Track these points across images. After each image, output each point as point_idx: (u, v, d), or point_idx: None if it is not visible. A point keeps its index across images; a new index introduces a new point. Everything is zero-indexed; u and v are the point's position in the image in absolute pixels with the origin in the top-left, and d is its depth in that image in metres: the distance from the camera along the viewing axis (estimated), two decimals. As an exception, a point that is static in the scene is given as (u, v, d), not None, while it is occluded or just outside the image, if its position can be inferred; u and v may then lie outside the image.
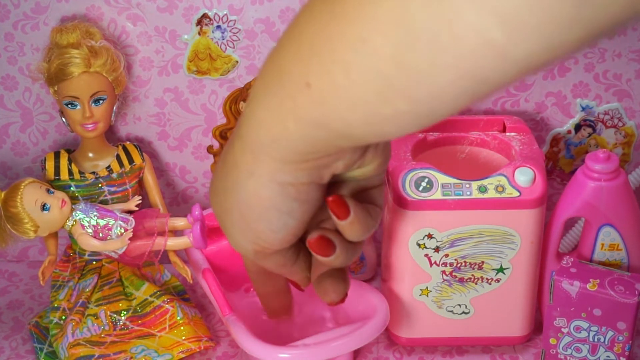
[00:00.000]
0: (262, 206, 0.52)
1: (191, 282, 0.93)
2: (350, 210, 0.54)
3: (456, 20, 0.38)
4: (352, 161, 0.53)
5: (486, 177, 0.85)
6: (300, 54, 0.45)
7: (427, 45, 0.40)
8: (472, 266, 0.87)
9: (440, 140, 0.92)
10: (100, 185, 0.94)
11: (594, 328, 0.83)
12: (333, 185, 0.55)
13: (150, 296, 0.92)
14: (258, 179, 0.51)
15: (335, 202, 0.54)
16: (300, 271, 0.59)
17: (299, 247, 0.58)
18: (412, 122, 0.44)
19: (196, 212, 0.89)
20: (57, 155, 0.94)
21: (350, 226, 0.55)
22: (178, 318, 0.91)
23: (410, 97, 0.43)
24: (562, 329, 0.85)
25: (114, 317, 0.91)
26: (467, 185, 0.84)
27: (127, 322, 0.91)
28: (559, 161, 1.01)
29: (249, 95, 0.51)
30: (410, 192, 0.84)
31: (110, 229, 0.89)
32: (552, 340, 0.86)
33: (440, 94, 0.42)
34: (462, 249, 0.86)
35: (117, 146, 0.96)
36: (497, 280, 0.88)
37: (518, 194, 0.84)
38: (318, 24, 0.44)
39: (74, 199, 0.92)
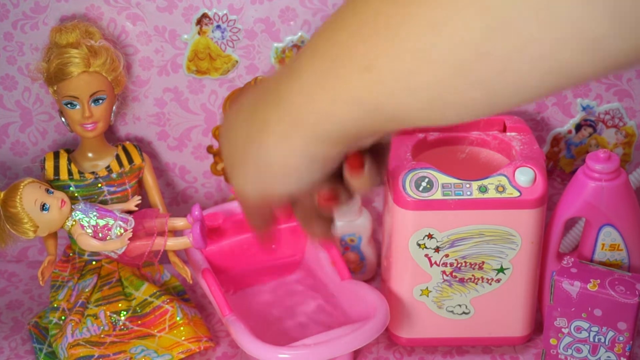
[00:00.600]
0: (285, 172, 0.52)
1: (191, 282, 0.93)
2: (365, 168, 0.54)
3: (550, 9, 0.37)
4: (381, 135, 0.53)
5: (486, 177, 0.85)
6: (362, 35, 0.44)
7: (517, 33, 0.38)
8: (473, 266, 0.87)
9: (441, 140, 0.92)
10: (99, 185, 0.94)
11: (595, 328, 0.83)
12: None
13: (150, 296, 0.92)
14: (290, 147, 0.51)
15: (354, 161, 0.54)
16: (299, 216, 0.60)
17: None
18: (478, 111, 0.43)
19: (196, 212, 0.89)
20: (56, 155, 0.94)
21: (360, 182, 0.55)
22: (178, 318, 0.90)
23: (485, 87, 0.41)
24: (563, 329, 0.84)
25: (114, 318, 0.91)
26: (468, 185, 0.84)
27: (127, 323, 0.91)
28: (560, 161, 1.01)
29: (294, 65, 0.49)
30: (411, 192, 0.84)
31: (109, 229, 0.89)
32: (553, 341, 0.86)
33: (519, 85, 0.40)
34: (462, 249, 0.86)
35: (117, 146, 0.96)
36: (498, 281, 0.88)
37: (518, 194, 0.84)
38: (385, 3, 0.42)
39: (73, 199, 0.92)
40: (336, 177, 0.56)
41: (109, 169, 0.94)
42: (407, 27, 0.42)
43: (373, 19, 0.43)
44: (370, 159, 0.55)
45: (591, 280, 0.82)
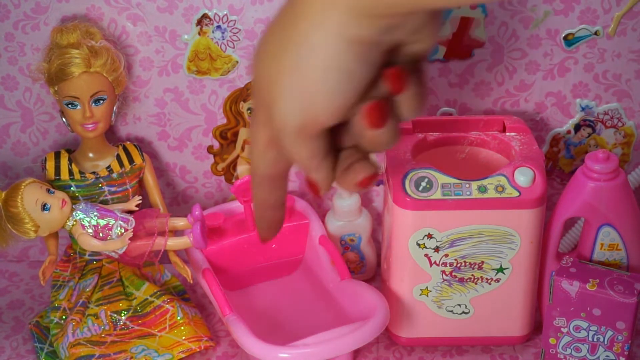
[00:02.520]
0: (325, 65, 0.50)
1: (191, 282, 0.93)
2: (408, 80, 0.53)
3: None
4: (415, 30, 0.52)
5: (486, 177, 0.85)
6: None
7: None
8: (472, 266, 0.87)
9: (440, 140, 0.92)
10: (100, 185, 0.94)
11: (594, 328, 0.83)
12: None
13: (151, 296, 0.92)
14: (326, 32, 0.49)
15: (394, 73, 0.52)
16: (326, 169, 0.57)
17: (330, 145, 0.56)
18: None
19: (196, 212, 0.89)
20: (57, 155, 0.95)
21: (406, 99, 0.53)
22: (178, 318, 0.91)
23: None
24: (562, 329, 0.85)
25: (114, 317, 0.91)
26: (467, 185, 0.85)
27: (128, 322, 0.91)
28: (559, 161, 1.01)
29: None
30: (410, 192, 0.84)
31: (110, 229, 0.89)
32: (552, 340, 0.86)
33: None
34: (462, 249, 0.86)
35: (118, 146, 0.96)
36: (497, 280, 0.88)
37: (518, 194, 0.84)
38: None
39: (74, 199, 0.92)
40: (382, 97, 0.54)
41: (109, 169, 0.95)
42: None
43: None
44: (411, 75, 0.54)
45: (590, 280, 0.82)
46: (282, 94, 0.53)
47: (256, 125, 0.58)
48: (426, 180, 0.85)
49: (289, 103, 0.53)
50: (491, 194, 0.84)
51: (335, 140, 0.56)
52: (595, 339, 0.84)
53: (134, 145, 0.97)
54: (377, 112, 0.53)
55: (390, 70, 0.52)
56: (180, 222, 0.91)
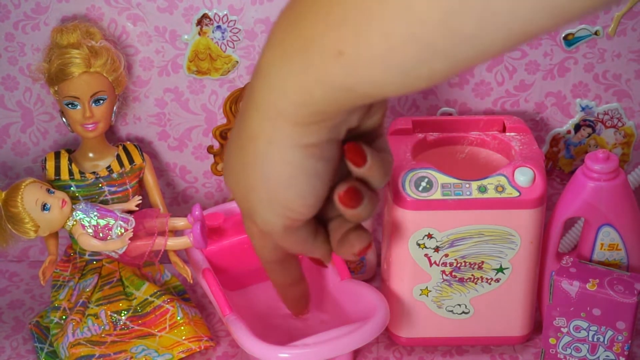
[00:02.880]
0: (289, 173, 0.52)
1: (191, 282, 0.93)
2: (366, 154, 0.55)
3: None
4: (364, 113, 0.54)
5: (486, 177, 0.85)
6: (329, 22, 0.45)
7: (479, 9, 0.40)
8: (472, 266, 0.87)
9: (440, 140, 0.92)
10: (100, 185, 0.94)
11: (594, 328, 0.83)
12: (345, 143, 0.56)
13: (151, 296, 0.92)
14: (281, 146, 0.51)
15: (351, 149, 0.54)
16: (322, 245, 0.60)
17: (317, 223, 0.59)
18: (445, 76, 0.45)
19: (196, 212, 0.89)
20: (57, 155, 0.95)
21: (370, 171, 0.55)
22: (178, 318, 0.91)
23: (452, 58, 0.43)
24: (562, 329, 0.85)
25: (115, 317, 0.91)
26: (467, 185, 0.85)
27: (128, 322, 0.91)
28: (559, 161, 1.01)
29: (260, 65, 0.50)
30: (410, 192, 0.84)
31: (110, 229, 0.89)
32: (552, 340, 0.86)
33: (484, 52, 0.42)
34: (462, 249, 0.86)
35: (118, 146, 0.96)
36: (497, 280, 0.88)
37: (518, 194, 0.84)
38: None
39: (74, 199, 0.92)
40: (351, 178, 0.56)
41: (109, 169, 0.95)
42: (370, 12, 0.43)
43: (339, 7, 0.44)
44: (368, 147, 0.55)
45: (590, 279, 0.82)
46: (257, 207, 0.55)
47: (247, 222, 0.60)
48: (426, 180, 0.85)
49: (266, 212, 0.55)
50: (491, 194, 0.84)
51: (320, 212, 0.57)
52: (595, 339, 0.84)
53: (134, 145, 0.97)
54: (350, 195, 0.55)
55: (347, 147, 0.54)
56: (180, 222, 0.91)
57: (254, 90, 0.51)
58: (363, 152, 0.55)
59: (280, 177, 0.53)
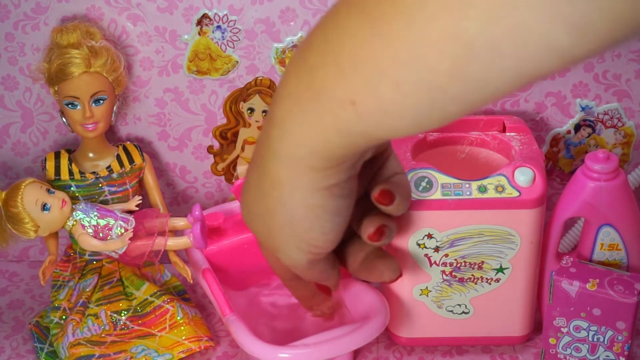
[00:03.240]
0: (313, 214, 0.55)
1: (191, 282, 0.93)
2: (395, 195, 0.58)
3: (520, 31, 0.39)
4: (377, 147, 0.57)
5: (486, 177, 0.85)
6: (340, 73, 0.46)
7: (487, 56, 0.41)
8: (472, 266, 0.87)
9: (440, 140, 0.92)
10: (100, 185, 0.94)
11: (594, 328, 0.83)
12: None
13: (151, 296, 0.92)
14: (304, 190, 0.53)
15: (382, 195, 0.58)
16: (336, 275, 0.63)
17: (334, 254, 0.62)
18: (457, 117, 0.46)
19: (196, 212, 0.89)
20: (57, 155, 0.95)
21: (397, 207, 0.59)
22: (178, 318, 0.91)
23: (463, 102, 0.44)
24: (562, 329, 0.85)
25: (114, 317, 0.91)
26: (467, 185, 0.85)
27: (128, 322, 0.91)
28: (559, 161, 1.01)
29: (275, 113, 0.52)
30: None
31: (110, 229, 0.89)
32: (552, 340, 0.86)
33: (493, 94, 0.43)
34: (462, 249, 0.86)
35: (118, 146, 0.96)
36: (497, 280, 0.88)
37: (518, 194, 0.84)
38: (359, 42, 0.44)
39: (74, 199, 0.92)
40: (373, 210, 0.60)
41: (109, 169, 0.95)
42: (379, 62, 0.44)
43: (348, 57, 0.45)
44: (391, 184, 0.59)
45: (590, 279, 0.82)
46: (282, 246, 0.58)
47: (265, 252, 0.64)
48: (426, 180, 0.85)
49: (291, 250, 0.58)
50: (491, 194, 0.84)
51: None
52: (595, 339, 0.84)
53: (134, 145, 0.97)
54: (385, 194, 0.59)
55: (376, 195, 0.58)
56: (180, 222, 0.91)
57: (271, 138, 0.53)
58: (392, 195, 0.58)
59: (304, 218, 0.55)
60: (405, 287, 0.89)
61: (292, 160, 0.52)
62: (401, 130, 0.47)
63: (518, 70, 0.41)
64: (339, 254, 0.63)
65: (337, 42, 0.46)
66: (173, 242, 0.90)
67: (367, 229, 0.59)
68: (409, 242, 0.86)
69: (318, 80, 0.47)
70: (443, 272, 0.87)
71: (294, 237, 0.56)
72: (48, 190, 0.89)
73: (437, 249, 0.86)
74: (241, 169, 1.02)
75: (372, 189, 0.60)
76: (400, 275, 0.63)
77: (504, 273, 0.87)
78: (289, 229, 0.56)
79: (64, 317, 0.92)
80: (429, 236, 0.85)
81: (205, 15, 0.95)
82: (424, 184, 0.85)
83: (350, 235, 0.62)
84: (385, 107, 0.45)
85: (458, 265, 0.87)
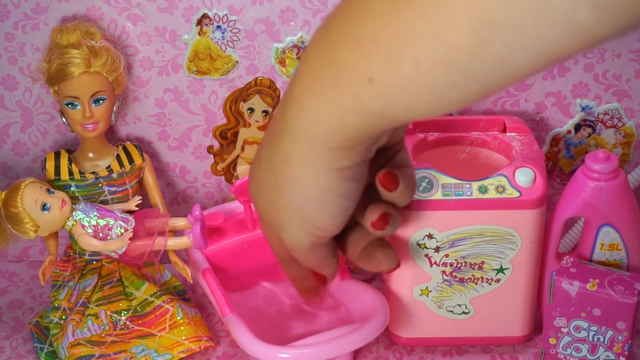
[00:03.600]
0: (322, 195, 0.54)
1: (191, 282, 0.93)
2: (399, 180, 0.57)
3: (543, 9, 0.39)
4: (392, 132, 0.56)
5: (486, 178, 0.85)
6: (361, 50, 0.45)
7: (509, 35, 0.40)
8: (472, 266, 0.87)
9: (441, 140, 0.92)
10: (100, 185, 0.94)
11: (594, 328, 0.83)
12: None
13: (151, 296, 0.92)
14: (316, 169, 0.53)
15: (386, 177, 0.57)
16: (335, 264, 0.62)
17: (335, 242, 0.61)
18: (476, 99, 0.45)
19: (196, 212, 0.89)
20: (57, 155, 0.95)
21: (400, 195, 0.58)
22: (178, 318, 0.91)
23: (483, 82, 0.43)
24: (562, 329, 0.85)
25: (114, 317, 0.91)
26: (468, 186, 0.85)
27: (127, 322, 0.91)
28: (559, 161, 1.01)
29: (293, 90, 0.51)
30: (411, 192, 0.84)
31: (110, 229, 0.89)
32: (552, 340, 0.86)
33: (515, 74, 0.43)
34: (462, 249, 0.86)
35: (117, 146, 0.96)
36: (497, 281, 0.88)
37: (518, 194, 0.84)
38: (381, 19, 0.44)
39: (74, 199, 0.92)
40: (377, 199, 0.59)
41: (109, 169, 0.95)
42: (400, 40, 0.44)
43: (370, 35, 0.45)
44: (395, 169, 0.58)
45: (590, 280, 0.82)
46: (286, 225, 0.57)
47: (266, 230, 0.62)
48: (427, 180, 0.85)
49: (295, 230, 0.57)
50: (492, 194, 0.84)
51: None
52: (595, 339, 0.84)
53: (134, 145, 0.97)
54: (390, 178, 0.57)
55: (382, 176, 0.57)
56: (180, 222, 0.91)
57: (287, 116, 0.52)
58: (397, 180, 0.57)
59: (313, 198, 0.54)
60: (406, 287, 0.89)
61: (307, 138, 0.51)
62: (419, 110, 0.46)
63: (540, 50, 0.41)
64: (339, 241, 0.63)
65: (359, 19, 0.45)
66: (173, 242, 0.90)
67: (372, 215, 0.58)
68: (409, 242, 0.86)
69: (338, 58, 0.47)
70: (443, 272, 0.87)
71: (299, 216, 0.56)
72: (48, 190, 0.89)
73: (437, 249, 0.86)
74: (241, 169, 1.02)
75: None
76: (398, 265, 0.62)
77: (504, 273, 0.87)
78: (296, 207, 0.55)
79: (63, 317, 0.92)
80: (430, 236, 0.85)
81: (205, 15, 0.95)
82: (424, 184, 0.85)
83: (352, 224, 0.62)
84: (404, 85, 0.45)
85: (458, 265, 0.87)
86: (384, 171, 0.57)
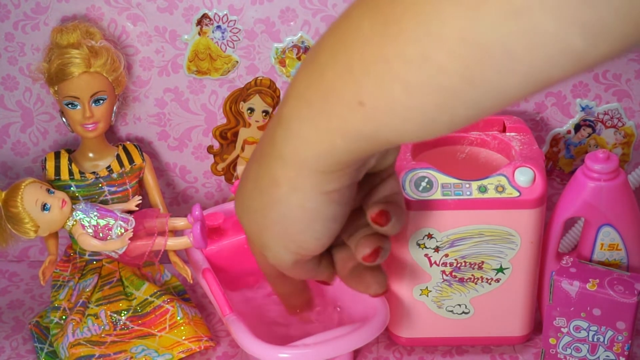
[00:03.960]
0: (308, 217, 0.54)
1: (191, 282, 0.93)
2: (391, 217, 0.58)
3: (534, 33, 0.39)
4: (381, 155, 0.56)
5: (486, 177, 0.85)
6: (350, 74, 0.46)
7: (499, 58, 0.40)
8: (472, 266, 0.87)
9: (440, 140, 0.92)
10: (100, 185, 0.94)
11: (594, 328, 0.83)
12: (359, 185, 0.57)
13: (151, 296, 0.92)
14: (302, 193, 0.53)
15: (380, 215, 0.58)
16: (326, 270, 0.62)
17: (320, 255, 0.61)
18: (466, 122, 0.45)
19: (196, 212, 0.89)
20: (57, 155, 0.95)
21: (392, 228, 0.58)
22: (178, 318, 0.91)
23: (473, 105, 0.43)
24: (562, 329, 0.85)
25: (114, 317, 0.91)
26: (467, 185, 0.85)
27: (127, 322, 0.91)
28: (559, 161, 1.01)
29: (282, 113, 0.51)
30: (410, 192, 0.84)
31: (110, 229, 0.89)
32: (552, 340, 0.86)
33: (505, 99, 0.43)
34: (462, 249, 0.86)
35: (117, 146, 0.96)
36: (497, 280, 0.88)
37: (518, 194, 0.84)
38: (370, 43, 0.44)
39: (74, 199, 0.92)
40: (369, 232, 0.59)
41: (109, 169, 0.95)
42: (389, 64, 0.43)
43: (359, 59, 0.45)
44: (389, 205, 0.58)
45: (590, 280, 0.82)
46: (270, 244, 0.57)
47: (253, 248, 0.62)
48: (426, 180, 0.85)
49: (279, 250, 0.57)
50: (491, 194, 0.84)
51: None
52: (595, 339, 0.84)
53: (134, 145, 0.97)
54: (383, 215, 0.58)
55: (374, 215, 0.58)
56: (180, 222, 0.91)
57: (276, 138, 0.52)
58: (389, 217, 0.58)
59: (299, 220, 0.55)
60: (405, 287, 0.89)
61: (295, 161, 0.52)
62: (409, 133, 0.46)
63: (531, 75, 0.41)
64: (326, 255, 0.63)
65: (348, 43, 0.46)
66: (173, 242, 0.90)
67: (364, 249, 0.58)
68: (409, 242, 0.86)
69: (328, 81, 0.47)
70: (443, 272, 0.87)
71: (284, 236, 0.56)
72: (48, 190, 0.89)
73: (437, 249, 0.86)
74: (241, 169, 1.02)
75: (368, 205, 0.59)
76: (387, 291, 0.62)
77: (504, 273, 0.87)
78: (281, 228, 0.55)
79: (64, 317, 0.92)
80: (429, 236, 0.85)
81: (205, 15, 0.95)
82: (424, 184, 0.85)
83: (339, 242, 0.62)
84: (394, 108, 0.45)
85: (458, 265, 0.87)
86: (377, 209, 0.57)
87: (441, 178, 0.85)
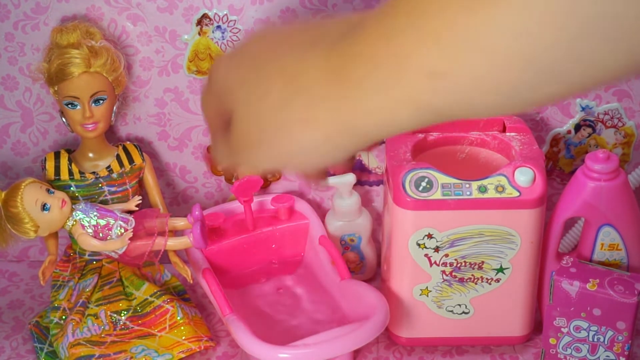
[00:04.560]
0: (317, 159, 0.51)
1: (191, 282, 0.93)
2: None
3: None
4: None
5: (486, 177, 0.85)
6: (425, 39, 0.42)
7: (608, 31, 0.38)
8: (472, 266, 0.87)
9: (440, 140, 0.92)
10: (100, 185, 0.94)
11: (594, 328, 0.83)
12: None
13: (151, 296, 0.92)
14: (332, 146, 0.49)
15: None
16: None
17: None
18: (550, 100, 0.43)
19: (196, 212, 0.89)
20: (57, 155, 0.95)
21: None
22: (178, 318, 0.91)
23: (565, 82, 0.41)
24: (562, 329, 0.85)
25: (114, 317, 0.91)
26: (467, 185, 0.85)
27: (127, 322, 0.91)
28: (559, 161, 1.01)
29: (352, 62, 0.46)
30: (410, 192, 0.84)
31: (110, 229, 0.89)
32: (552, 340, 0.86)
33: (608, 75, 0.40)
34: (462, 249, 0.86)
35: (117, 146, 0.96)
36: (497, 280, 0.88)
37: (518, 194, 0.84)
38: (454, 8, 0.41)
39: (74, 199, 0.92)
40: None
41: (109, 169, 0.95)
42: (476, 31, 0.41)
43: (442, 25, 0.42)
44: None
45: (590, 280, 0.82)
46: (256, 157, 0.53)
47: (207, 97, 0.58)
48: (426, 180, 0.85)
49: (261, 158, 0.53)
50: (491, 194, 0.84)
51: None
52: (595, 339, 0.84)
53: (134, 145, 0.97)
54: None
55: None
56: (180, 222, 0.91)
57: (330, 88, 0.48)
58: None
59: (306, 157, 0.51)
60: (405, 287, 0.89)
61: (345, 122, 0.47)
62: (483, 110, 0.43)
63: (633, 53, 0.39)
64: None
65: (432, 10, 0.42)
66: (173, 242, 0.90)
67: None
68: (409, 242, 0.86)
69: (399, 46, 0.43)
70: (443, 272, 0.87)
71: (278, 158, 0.52)
72: (48, 190, 0.89)
73: (437, 249, 0.86)
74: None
75: None
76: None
77: (504, 273, 0.87)
78: (278, 153, 0.52)
79: (63, 317, 0.92)
80: (429, 236, 0.85)
81: (205, 15, 0.95)
82: (424, 184, 0.85)
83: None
84: (475, 80, 0.42)
85: (458, 265, 0.87)
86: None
87: (441, 178, 0.85)
